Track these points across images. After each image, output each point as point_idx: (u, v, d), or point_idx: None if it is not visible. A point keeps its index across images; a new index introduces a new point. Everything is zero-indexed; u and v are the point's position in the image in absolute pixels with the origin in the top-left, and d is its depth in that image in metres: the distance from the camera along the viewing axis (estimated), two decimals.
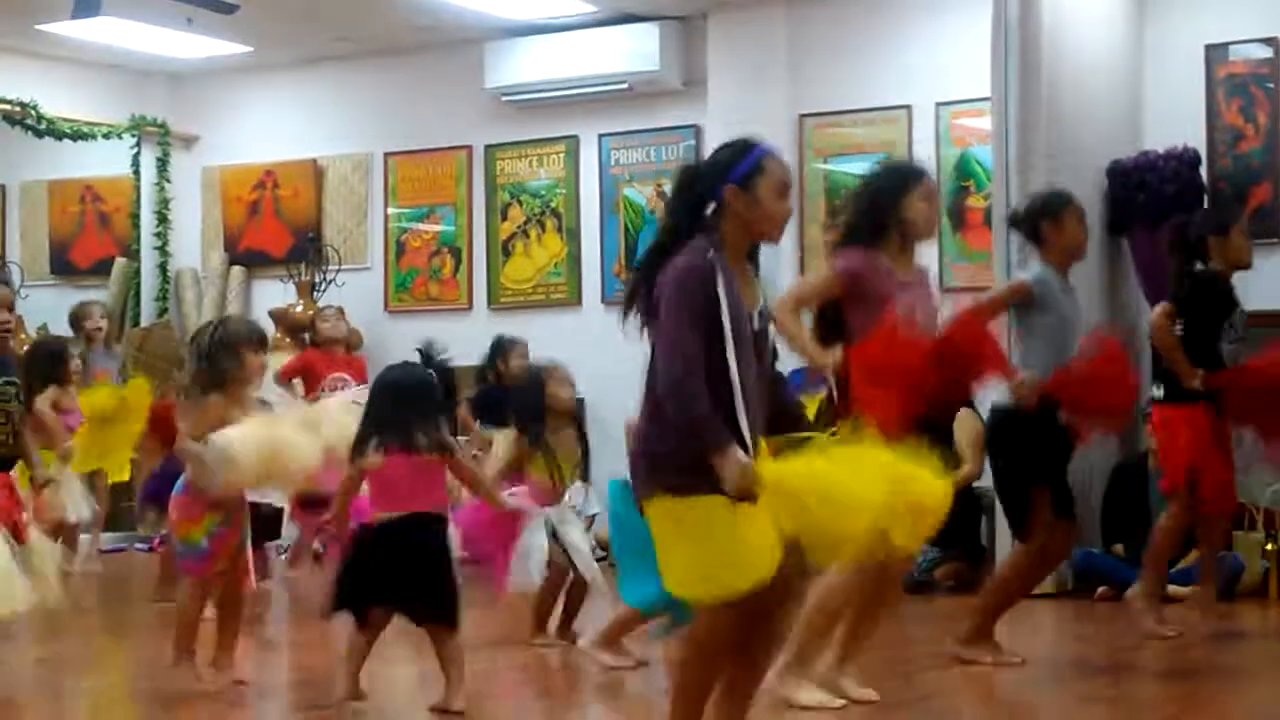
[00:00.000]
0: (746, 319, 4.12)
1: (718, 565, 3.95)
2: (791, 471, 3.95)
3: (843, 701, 5.41)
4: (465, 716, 5.35)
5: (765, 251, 4.41)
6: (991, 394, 6.42)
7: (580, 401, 10.68)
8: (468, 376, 8.86)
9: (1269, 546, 8.36)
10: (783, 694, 5.34)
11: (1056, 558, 6.71)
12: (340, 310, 11.01)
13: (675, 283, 4.04)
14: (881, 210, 5.54)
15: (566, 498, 7.01)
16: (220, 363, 5.78)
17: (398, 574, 5.38)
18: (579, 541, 6.94)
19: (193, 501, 5.78)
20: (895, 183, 5.61)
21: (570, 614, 7.07)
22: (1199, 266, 7.00)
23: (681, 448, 3.98)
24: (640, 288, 4.15)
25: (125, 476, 9.96)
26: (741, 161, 4.21)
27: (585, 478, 10.68)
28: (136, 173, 12.66)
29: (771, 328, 4.37)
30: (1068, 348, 6.32)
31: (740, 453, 3.95)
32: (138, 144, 12.61)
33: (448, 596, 5.40)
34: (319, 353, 10.62)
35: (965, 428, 8.50)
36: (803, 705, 5.33)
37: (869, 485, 3.94)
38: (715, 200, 4.17)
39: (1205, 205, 8.74)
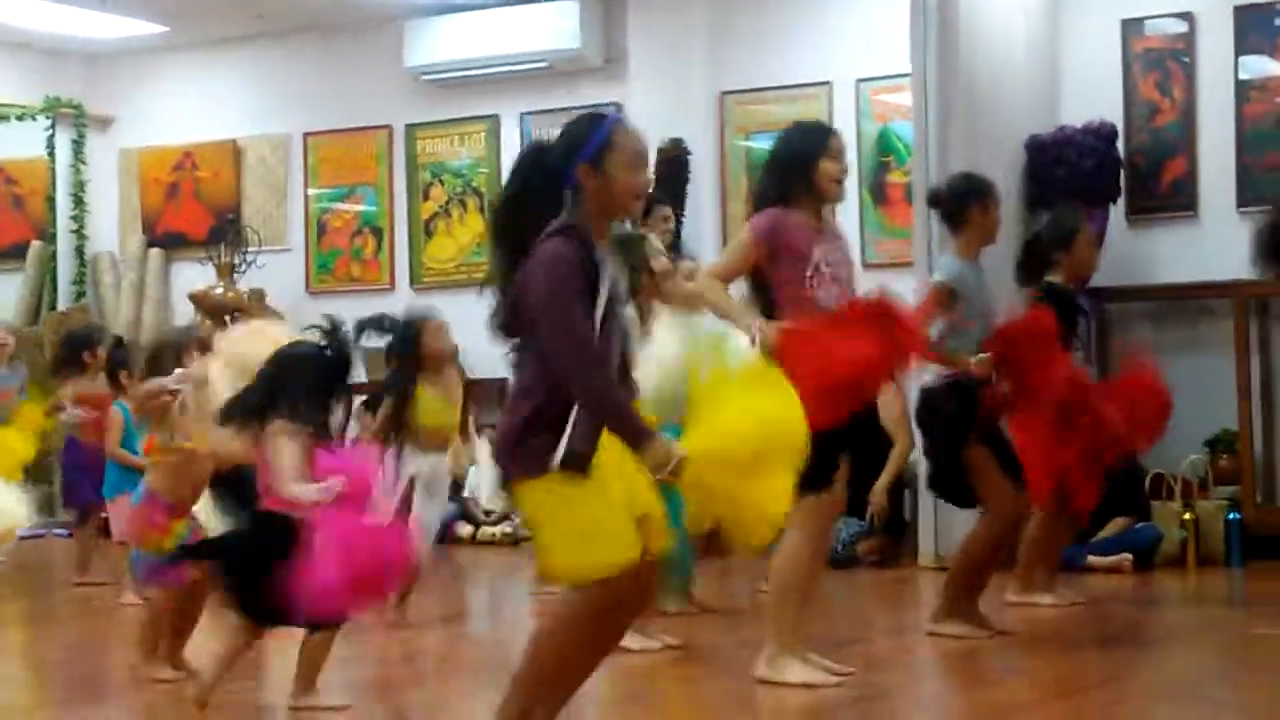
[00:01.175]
0: (620, 300, 4.04)
1: (589, 543, 3.86)
2: (708, 449, 3.90)
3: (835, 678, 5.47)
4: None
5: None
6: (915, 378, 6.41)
7: (505, 380, 10.74)
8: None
9: (1186, 516, 8.45)
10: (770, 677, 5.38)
11: (1016, 520, 6.61)
12: (258, 293, 10.87)
13: (551, 273, 3.85)
14: (794, 174, 5.53)
15: (442, 459, 7.00)
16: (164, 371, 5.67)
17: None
18: (426, 517, 6.91)
19: (156, 510, 5.53)
20: (807, 147, 5.57)
21: (402, 595, 6.82)
22: (1045, 281, 7.03)
23: (551, 434, 3.85)
24: (504, 270, 3.96)
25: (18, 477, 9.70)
26: (590, 138, 3.98)
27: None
28: (51, 155, 12.52)
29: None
30: (991, 325, 6.44)
31: (663, 437, 3.89)
32: (52, 125, 12.46)
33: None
34: None
35: (889, 406, 8.54)
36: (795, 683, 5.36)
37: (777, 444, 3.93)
38: (569, 182, 3.97)
39: (1054, 200, 8.63)
